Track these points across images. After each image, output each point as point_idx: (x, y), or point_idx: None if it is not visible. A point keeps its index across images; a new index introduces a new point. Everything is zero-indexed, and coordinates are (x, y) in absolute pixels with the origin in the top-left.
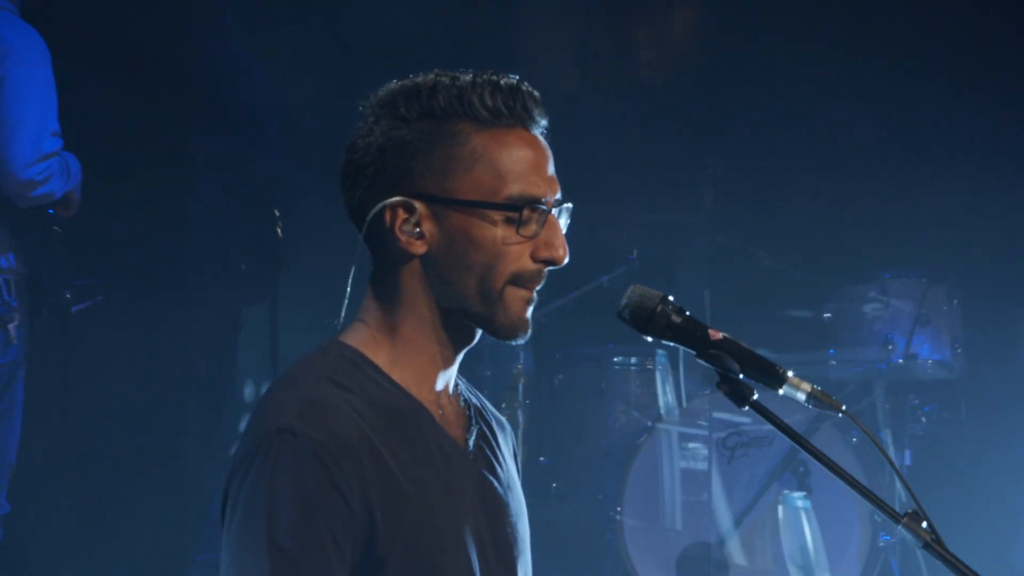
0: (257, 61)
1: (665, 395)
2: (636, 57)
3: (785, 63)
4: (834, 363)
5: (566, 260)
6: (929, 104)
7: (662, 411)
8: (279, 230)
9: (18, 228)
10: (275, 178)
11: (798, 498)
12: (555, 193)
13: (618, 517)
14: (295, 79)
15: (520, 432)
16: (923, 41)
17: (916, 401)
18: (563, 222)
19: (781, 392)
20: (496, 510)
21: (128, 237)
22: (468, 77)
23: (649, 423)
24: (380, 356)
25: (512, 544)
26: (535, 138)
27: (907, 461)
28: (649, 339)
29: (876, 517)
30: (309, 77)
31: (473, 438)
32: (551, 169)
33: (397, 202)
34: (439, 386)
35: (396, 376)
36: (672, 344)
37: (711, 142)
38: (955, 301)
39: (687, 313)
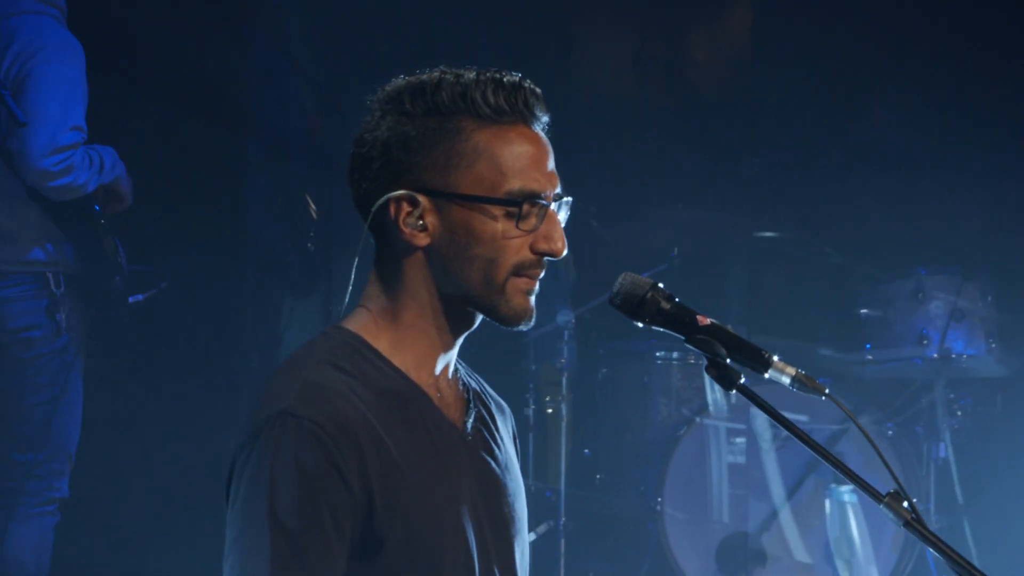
0: (309, 73)
1: (713, 392)
2: (680, 60)
3: (822, 64)
4: (870, 358)
5: (565, 252)
6: (964, 102)
7: (710, 407)
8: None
9: (66, 222)
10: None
11: (844, 492)
12: (555, 188)
13: (658, 507)
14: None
15: (564, 424)
16: (960, 40)
17: (951, 396)
18: (563, 215)
19: (767, 376)
20: (493, 490)
21: (183, 231)
22: (471, 74)
23: (689, 416)
24: (381, 341)
25: (509, 523)
26: (536, 134)
27: (942, 454)
28: (640, 325)
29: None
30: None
31: (471, 421)
32: (551, 164)
33: (401, 195)
34: (438, 371)
35: (396, 361)
36: (662, 330)
37: (750, 142)
38: (989, 297)
39: (676, 300)
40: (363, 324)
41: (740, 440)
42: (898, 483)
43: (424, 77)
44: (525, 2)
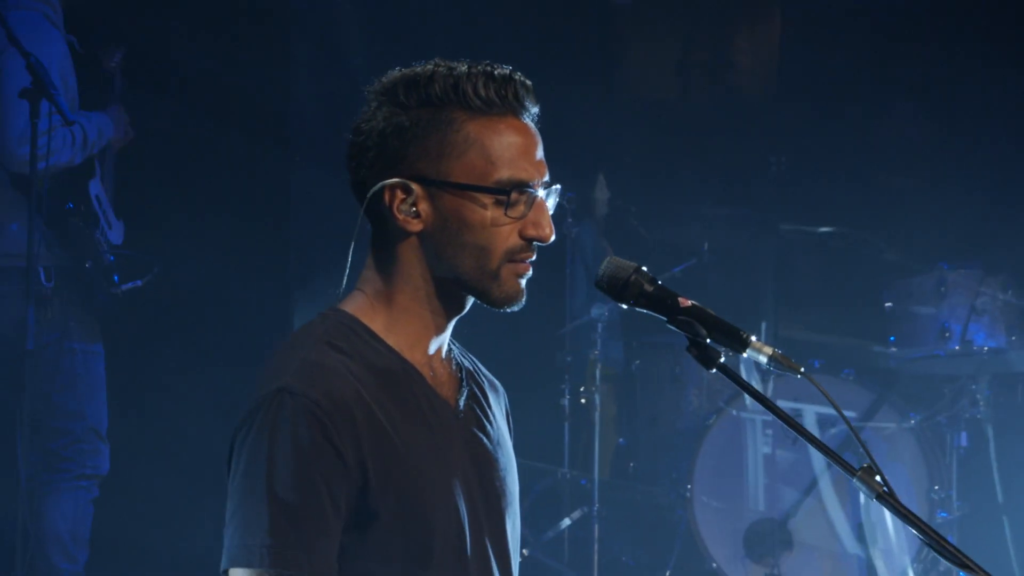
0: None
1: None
2: (715, 66)
3: (846, 68)
4: (894, 350)
5: (552, 238)
6: (984, 104)
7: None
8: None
9: (54, 218)
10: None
11: (881, 483)
12: (543, 176)
13: (688, 494)
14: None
15: (597, 415)
16: (979, 40)
17: (973, 387)
18: (551, 203)
19: (745, 355)
20: (485, 464)
21: (233, 228)
22: (463, 67)
23: (719, 406)
24: (376, 322)
25: (500, 495)
26: (525, 125)
27: (963, 443)
28: (624, 307)
29: (932, 495)
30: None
31: (463, 398)
32: (540, 154)
33: (395, 183)
34: (431, 350)
35: (391, 341)
36: (645, 311)
37: (775, 141)
38: (1010, 291)
39: (659, 282)
40: (359, 306)
41: (767, 429)
42: (871, 458)
43: (418, 70)
44: (572, 10)
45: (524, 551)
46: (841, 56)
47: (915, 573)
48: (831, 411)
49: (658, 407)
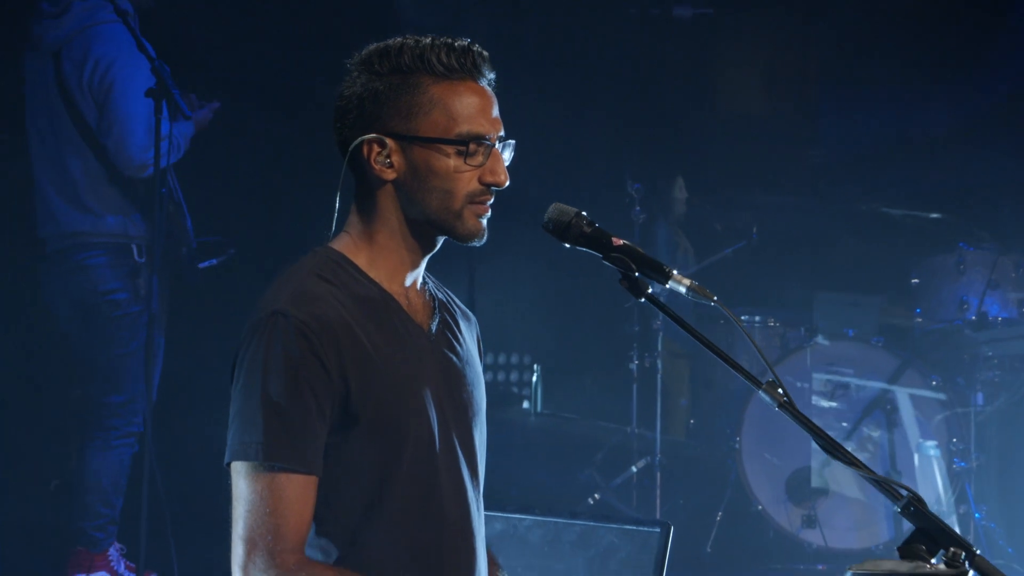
0: None
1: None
2: (762, 64)
3: (880, 68)
4: (919, 320)
5: (507, 183)
6: (995, 104)
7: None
8: None
9: (141, 201)
10: None
11: (930, 447)
12: (498, 131)
13: (737, 446)
14: None
15: (659, 377)
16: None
17: (989, 353)
18: (507, 155)
19: (667, 285)
20: (454, 379)
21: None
22: (428, 40)
23: (762, 368)
24: (360, 258)
25: (468, 405)
26: (482, 88)
27: (980, 402)
28: (567, 245)
29: (952, 447)
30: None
31: (435, 323)
32: (495, 112)
33: (371, 138)
34: (408, 283)
35: (372, 274)
36: (585, 249)
37: (814, 134)
38: (1021, 269)
39: (596, 225)
40: (345, 244)
41: (801, 385)
42: (774, 374)
43: (390, 42)
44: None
45: (596, 495)
46: (873, 59)
47: (940, 511)
48: (863, 378)
49: (713, 372)
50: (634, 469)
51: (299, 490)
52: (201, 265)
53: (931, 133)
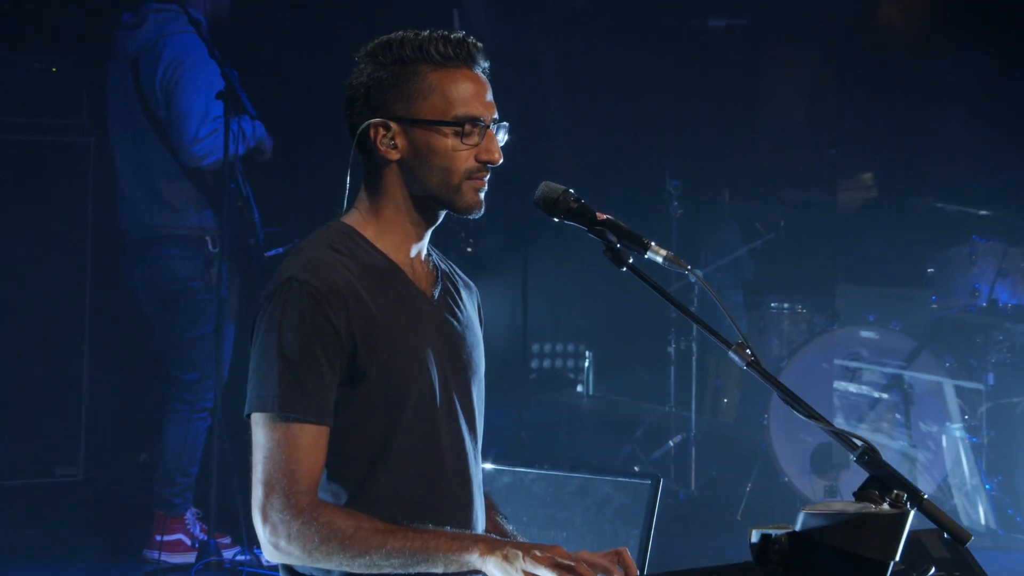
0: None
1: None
2: (788, 71)
3: (897, 75)
4: (935, 306)
5: (500, 161)
6: (1011, 106)
7: None
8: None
9: (211, 194)
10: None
11: (956, 429)
12: (492, 114)
13: (765, 423)
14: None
15: (694, 360)
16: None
17: (1000, 338)
18: (501, 136)
19: (646, 256)
20: (454, 340)
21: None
22: (427, 33)
23: (791, 351)
24: (368, 231)
25: (467, 364)
26: (477, 75)
27: (991, 381)
28: (556, 220)
29: (964, 423)
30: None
31: (438, 291)
32: (489, 96)
33: (377, 122)
34: (412, 254)
35: (379, 245)
36: (571, 223)
37: (833, 134)
38: None
39: (582, 201)
40: (355, 218)
41: (826, 366)
42: (742, 335)
43: (392, 36)
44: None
45: (636, 468)
46: (892, 68)
47: (954, 482)
48: (881, 359)
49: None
50: (671, 444)
51: (312, 439)
52: (268, 254)
53: (950, 135)
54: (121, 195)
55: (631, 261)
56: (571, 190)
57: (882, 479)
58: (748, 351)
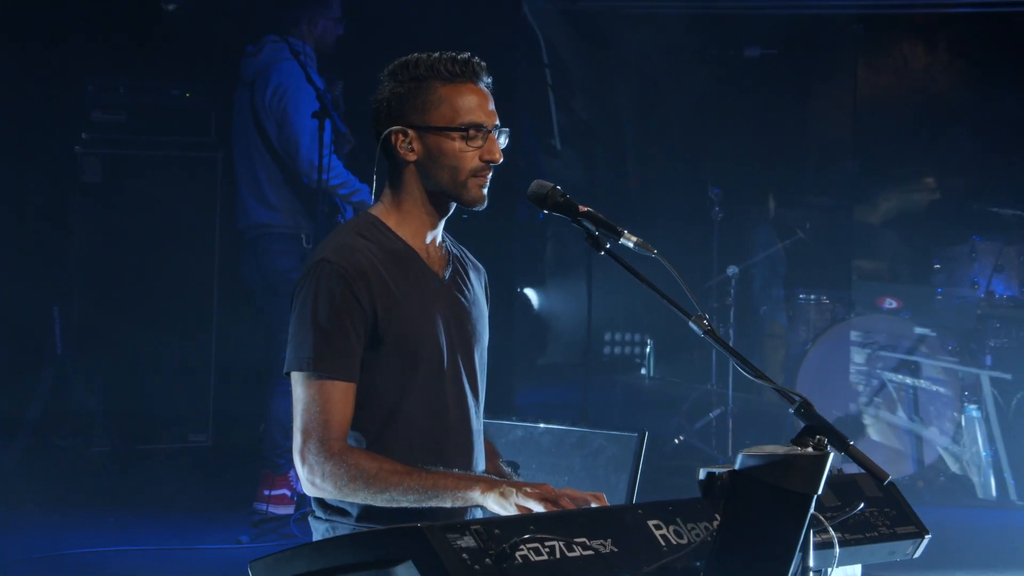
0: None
1: None
2: (813, 94)
3: (918, 92)
4: (940, 297)
5: (501, 160)
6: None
7: None
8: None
9: (306, 198)
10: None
11: (972, 409)
12: (494, 121)
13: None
14: None
15: (732, 343)
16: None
17: (997, 325)
18: (502, 140)
19: (620, 242)
20: (460, 313)
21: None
22: (437, 54)
23: (815, 336)
24: (390, 220)
25: (471, 334)
26: (480, 89)
27: (989, 363)
28: (545, 212)
29: (963, 398)
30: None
31: (448, 272)
32: (491, 106)
33: (397, 129)
34: (427, 240)
35: (399, 232)
36: (559, 214)
37: (851, 146)
38: (1022, 257)
39: (567, 196)
40: (380, 210)
41: (846, 351)
42: (698, 307)
43: (408, 58)
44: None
45: (681, 436)
46: (906, 86)
47: (948, 453)
48: (893, 343)
49: (779, 338)
50: (711, 416)
51: (341, 394)
52: None
53: (958, 149)
54: (238, 199)
55: (608, 246)
56: (558, 187)
57: (814, 428)
58: (705, 321)
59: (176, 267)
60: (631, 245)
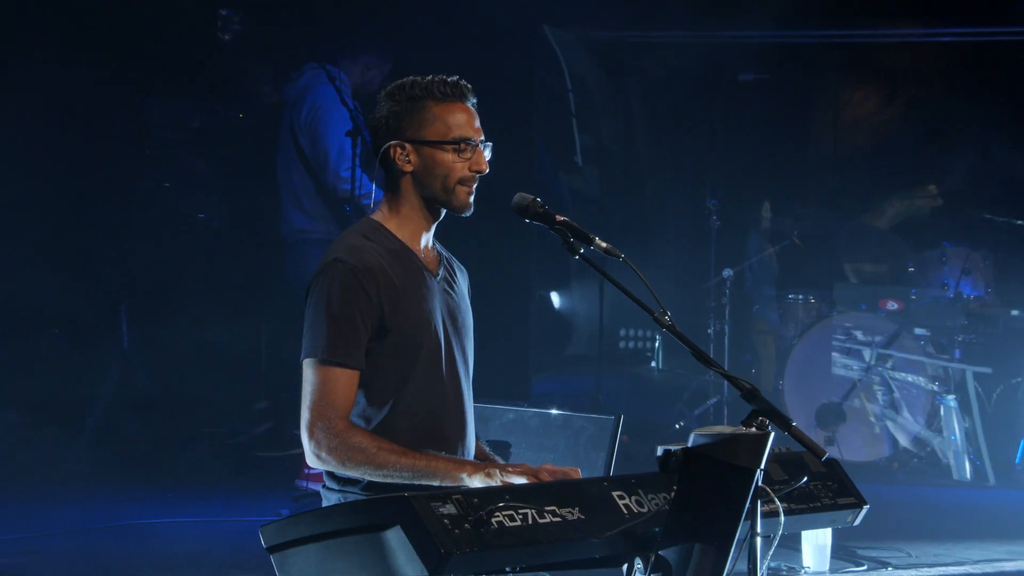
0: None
1: None
2: (800, 116)
3: (893, 112)
4: (914, 297)
5: (487, 171)
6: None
7: None
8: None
9: (337, 207)
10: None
11: (950, 399)
12: (480, 136)
13: (780, 387)
14: None
15: (726, 340)
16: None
17: (966, 322)
18: (487, 153)
19: (592, 248)
20: (452, 308)
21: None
22: (430, 77)
23: (802, 331)
24: (391, 224)
25: (463, 326)
26: (468, 107)
27: (957, 356)
28: (527, 220)
29: (933, 388)
30: None
31: (441, 271)
32: (477, 124)
33: (395, 143)
34: (423, 243)
35: (399, 235)
36: (539, 223)
37: (832, 161)
38: (988, 261)
39: (546, 207)
40: (381, 216)
41: (829, 344)
42: (660, 304)
43: (404, 80)
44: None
45: (681, 422)
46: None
47: (923, 436)
48: (871, 338)
49: (769, 334)
50: (709, 404)
51: (347, 379)
52: None
53: (939, 167)
54: (280, 207)
55: (582, 251)
56: (538, 199)
57: (760, 411)
58: (667, 317)
59: (228, 269)
60: (601, 251)
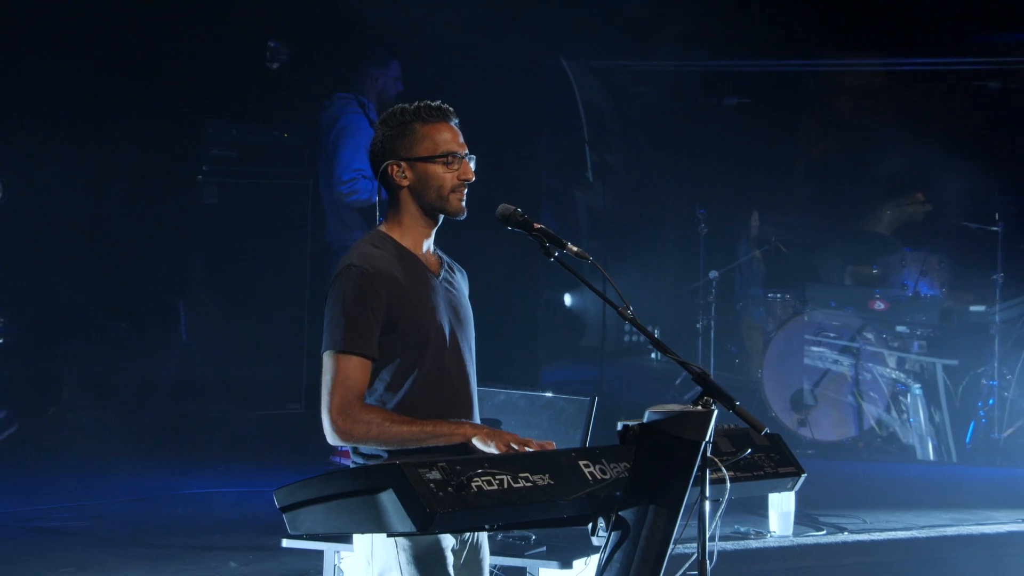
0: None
1: None
2: (779, 135)
3: (859, 133)
4: (877, 295)
5: (473, 179)
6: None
7: None
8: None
9: (369, 218)
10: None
11: (916, 387)
12: (465, 149)
13: (760, 376)
14: None
15: (712, 334)
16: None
17: (923, 318)
18: (472, 164)
19: (564, 251)
20: (454, 305)
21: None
22: (417, 103)
23: (779, 325)
24: (395, 233)
25: (464, 321)
26: (452, 126)
27: (916, 349)
28: (509, 228)
29: (895, 376)
30: None
31: (443, 273)
32: (461, 139)
33: (392, 163)
34: (424, 248)
35: (403, 243)
36: (520, 231)
37: (804, 175)
38: (943, 263)
39: (526, 216)
40: (387, 226)
41: (802, 338)
42: (623, 299)
43: (394, 108)
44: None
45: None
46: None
47: (887, 419)
48: (839, 332)
49: (749, 329)
50: (698, 389)
51: (362, 366)
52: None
53: (885, 181)
54: (324, 217)
55: (556, 254)
56: (519, 208)
57: (707, 391)
58: (629, 311)
59: (276, 270)
60: (572, 254)
